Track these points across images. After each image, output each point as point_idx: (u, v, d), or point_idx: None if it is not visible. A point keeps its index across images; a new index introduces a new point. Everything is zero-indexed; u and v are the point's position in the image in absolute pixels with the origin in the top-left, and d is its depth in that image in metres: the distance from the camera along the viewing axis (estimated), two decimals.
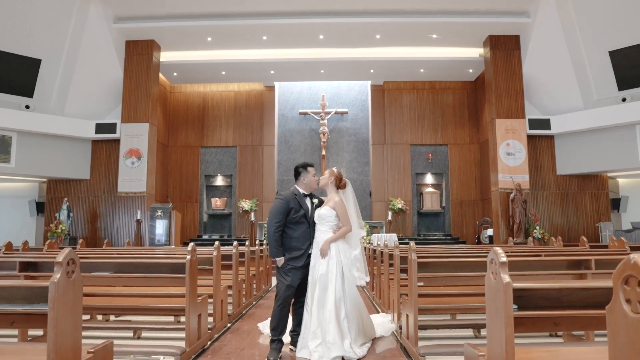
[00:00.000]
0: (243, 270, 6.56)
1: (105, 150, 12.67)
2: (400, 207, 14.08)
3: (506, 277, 2.03)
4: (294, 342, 4.23)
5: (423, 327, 4.41)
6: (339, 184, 4.38)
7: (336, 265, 4.08)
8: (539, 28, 11.61)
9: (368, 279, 4.34)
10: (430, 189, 14.64)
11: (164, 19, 11.70)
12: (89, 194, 12.47)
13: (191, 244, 4.08)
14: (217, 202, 14.51)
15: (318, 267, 4.12)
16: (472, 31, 12.10)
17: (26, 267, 4.09)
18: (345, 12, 11.62)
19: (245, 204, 14.14)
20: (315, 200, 4.35)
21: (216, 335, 4.77)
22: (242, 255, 6.49)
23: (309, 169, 4.32)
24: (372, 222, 13.35)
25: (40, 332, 3.77)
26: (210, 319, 4.83)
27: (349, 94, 15.18)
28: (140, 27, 11.80)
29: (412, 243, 4.09)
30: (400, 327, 4.53)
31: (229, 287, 5.62)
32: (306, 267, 4.19)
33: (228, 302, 5.39)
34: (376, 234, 11.74)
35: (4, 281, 2.24)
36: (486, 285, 2.21)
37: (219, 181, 14.98)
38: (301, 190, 4.31)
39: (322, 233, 4.19)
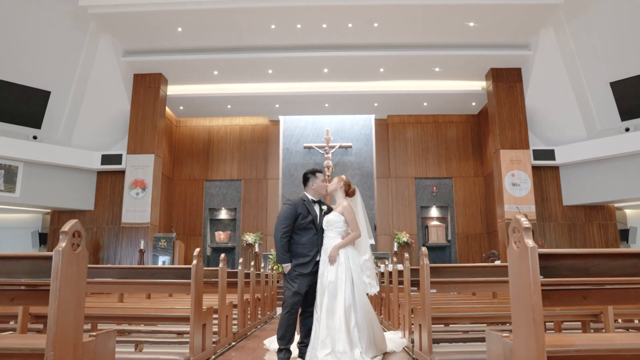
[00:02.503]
0: (248, 295, 6.41)
1: (110, 181, 12.67)
2: (405, 240, 13.91)
3: (530, 242, 1.95)
4: (302, 354, 4.06)
5: (436, 341, 4.25)
6: (348, 191, 4.32)
7: (345, 271, 3.97)
8: (540, 60, 11.79)
9: (378, 288, 4.21)
10: (435, 222, 14.49)
11: (172, 53, 11.95)
12: (93, 225, 12.38)
13: (197, 248, 3.99)
14: (221, 236, 14.37)
15: (327, 274, 4.00)
16: (474, 64, 12.29)
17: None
18: (350, 46, 11.85)
19: (249, 237, 14.00)
20: (324, 207, 4.28)
21: (220, 351, 4.59)
22: (247, 276, 6.35)
23: (318, 174, 4.28)
24: (378, 253, 13.15)
25: (40, 327, 3.63)
26: (215, 337, 4.66)
27: (353, 128, 15.28)
28: (148, 61, 12.03)
29: (423, 248, 3.98)
30: (413, 342, 4.35)
31: (234, 305, 5.47)
32: (314, 274, 4.07)
33: (233, 318, 5.23)
34: (382, 265, 11.52)
35: (4, 252, 2.15)
36: (509, 257, 2.12)
37: (223, 214, 14.89)
38: (310, 197, 4.25)
39: (331, 239, 4.10)
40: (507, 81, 12.46)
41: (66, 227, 2.11)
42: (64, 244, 2.07)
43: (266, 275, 7.73)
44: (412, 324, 4.40)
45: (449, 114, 14.79)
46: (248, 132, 15.08)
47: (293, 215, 4.10)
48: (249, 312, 6.12)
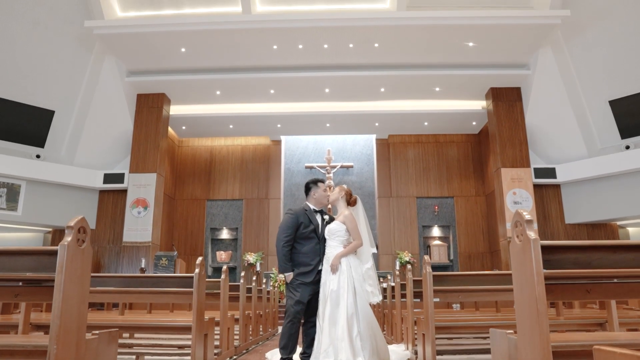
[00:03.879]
0: (250, 311, 6.36)
1: (112, 200, 12.70)
2: (407, 259, 13.84)
3: (532, 234, 1.96)
4: None
5: (440, 353, 4.21)
6: (350, 200, 4.33)
7: (347, 280, 3.96)
8: (539, 79, 11.92)
9: (380, 297, 4.19)
10: (437, 242, 14.43)
11: (175, 73, 12.10)
12: (94, 244, 12.34)
13: (200, 257, 3.98)
14: (222, 256, 14.31)
15: (329, 283, 3.99)
16: (474, 84, 12.42)
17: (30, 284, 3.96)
18: (351, 66, 12.00)
19: (251, 257, 13.94)
20: (326, 217, 4.29)
21: None
22: (249, 290, 6.32)
23: (319, 184, 4.31)
24: (380, 272, 13.05)
25: (41, 334, 3.60)
26: (217, 350, 4.62)
27: (354, 148, 15.35)
28: (152, 81, 12.17)
29: (426, 256, 3.98)
30: (416, 353, 4.31)
31: (236, 319, 5.43)
32: (316, 283, 4.06)
33: (235, 332, 5.18)
34: (386, 284, 11.44)
35: (8, 247, 2.16)
36: (512, 252, 2.12)
37: (225, 234, 14.86)
38: (311, 206, 4.27)
39: (333, 248, 4.10)
40: (507, 100, 12.57)
41: (72, 222, 2.13)
42: (69, 239, 2.08)
43: (268, 292, 7.68)
44: (416, 336, 4.37)
45: (449, 133, 14.88)
46: (250, 152, 15.15)
47: (295, 224, 4.11)
48: (250, 328, 6.07)
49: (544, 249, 1.98)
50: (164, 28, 10.64)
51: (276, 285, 11.16)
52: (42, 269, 2.22)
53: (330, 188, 14.66)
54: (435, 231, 14.71)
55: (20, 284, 2.23)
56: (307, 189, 4.32)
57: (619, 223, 12.36)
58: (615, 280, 2.06)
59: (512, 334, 2.19)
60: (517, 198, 11.99)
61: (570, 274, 1.92)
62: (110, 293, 3.94)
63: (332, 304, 3.89)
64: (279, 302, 10.23)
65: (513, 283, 2.14)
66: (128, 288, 3.87)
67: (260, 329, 7.01)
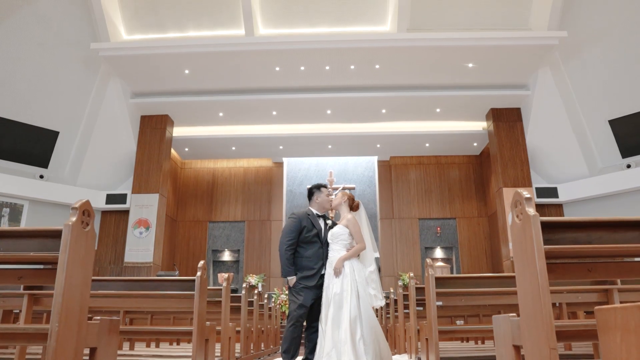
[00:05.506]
0: (251, 325, 6.31)
1: (114, 221, 12.70)
2: (409, 286, 13.69)
3: (532, 211, 1.98)
4: None
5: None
6: (352, 205, 4.35)
7: (351, 283, 3.94)
8: (539, 100, 12.04)
9: (384, 301, 4.16)
10: (440, 263, 14.30)
11: (178, 95, 12.27)
12: (95, 265, 12.28)
13: (201, 261, 3.98)
14: (224, 277, 14.17)
15: (332, 286, 3.97)
16: (474, 105, 12.54)
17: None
18: (352, 87, 12.16)
19: (252, 279, 13.85)
20: (329, 222, 4.31)
21: None
22: (250, 304, 6.27)
23: (322, 189, 4.34)
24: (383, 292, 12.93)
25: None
26: (218, 358, 4.57)
27: (356, 170, 15.40)
28: (155, 102, 12.33)
29: (428, 259, 3.97)
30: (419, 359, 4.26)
31: (237, 331, 5.38)
32: (319, 287, 4.05)
33: (236, 343, 5.13)
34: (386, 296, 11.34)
35: (11, 227, 2.18)
36: (512, 232, 2.13)
37: (226, 256, 14.79)
38: (314, 211, 4.29)
39: (336, 252, 4.10)
40: (507, 121, 12.67)
41: (77, 204, 2.15)
42: (74, 219, 2.10)
43: (269, 308, 7.61)
44: (419, 344, 4.32)
45: (451, 154, 14.95)
46: (252, 174, 15.22)
47: (298, 228, 4.12)
48: (252, 343, 6.00)
49: (544, 227, 1.99)
50: (168, 50, 10.85)
51: (277, 304, 11.05)
52: (46, 252, 2.23)
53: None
54: (438, 252, 14.63)
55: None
56: (310, 193, 4.35)
57: None
58: (618, 260, 2.06)
59: (514, 317, 2.19)
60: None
61: (570, 249, 1.92)
62: (110, 297, 3.92)
63: (335, 306, 3.87)
64: (281, 322, 10.12)
65: (514, 264, 2.15)
66: (130, 291, 3.86)
67: (262, 346, 6.92)
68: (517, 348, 2.18)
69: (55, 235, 2.15)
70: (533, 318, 1.95)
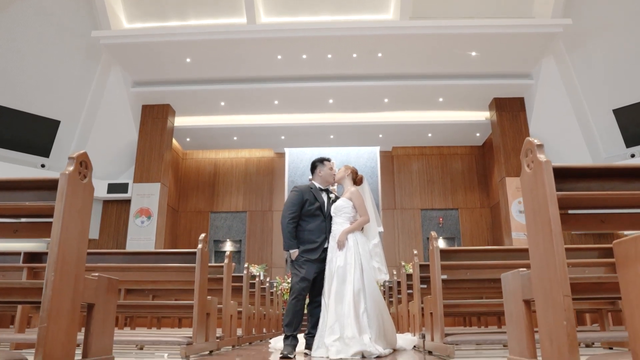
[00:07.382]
0: (253, 307, 6.25)
1: (115, 210, 12.66)
2: (412, 272, 13.65)
3: (543, 157, 1.91)
4: (309, 345, 3.92)
5: (448, 336, 4.09)
6: (356, 179, 4.29)
7: (354, 256, 3.88)
8: (542, 89, 11.94)
9: (387, 275, 4.10)
10: None
11: (180, 84, 12.19)
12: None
13: (203, 234, 3.93)
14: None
15: (335, 259, 3.91)
16: (477, 94, 12.45)
17: (31, 258, 3.89)
18: (354, 76, 12.07)
19: (254, 269, 13.79)
20: (332, 195, 4.25)
21: (223, 349, 4.43)
22: (252, 286, 6.22)
23: (326, 162, 4.28)
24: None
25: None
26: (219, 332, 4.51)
27: (358, 160, 15.30)
28: (157, 92, 12.26)
29: (433, 232, 3.91)
30: (424, 337, 4.20)
31: (239, 311, 5.33)
32: (322, 261, 3.99)
33: (237, 329, 5.07)
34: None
35: (6, 178, 2.12)
36: (522, 182, 2.07)
37: (228, 246, 14.74)
38: (317, 185, 4.23)
39: (339, 225, 4.04)
40: (510, 110, 12.57)
41: (74, 154, 2.09)
42: (71, 168, 2.05)
43: (271, 293, 7.56)
44: (424, 312, 4.25)
45: (453, 145, 14.86)
46: (254, 165, 15.16)
47: (300, 201, 4.07)
48: (253, 331, 5.95)
49: (557, 176, 1.92)
50: (170, 38, 10.77)
51: (279, 289, 10.99)
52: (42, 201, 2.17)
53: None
54: (440, 243, 14.55)
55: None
56: (313, 167, 4.29)
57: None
58: (631, 211, 2.00)
59: (524, 270, 2.13)
60: (522, 207, 11.85)
61: (584, 195, 1.86)
62: (110, 270, 3.86)
63: (339, 280, 3.81)
64: (282, 309, 10.07)
65: (525, 217, 2.08)
66: (130, 264, 3.80)
67: (264, 330, 6.87)
68: (528, 303, 2.12)
69: (52, 186, 2.09)
70: (546, 268, 1.89)
